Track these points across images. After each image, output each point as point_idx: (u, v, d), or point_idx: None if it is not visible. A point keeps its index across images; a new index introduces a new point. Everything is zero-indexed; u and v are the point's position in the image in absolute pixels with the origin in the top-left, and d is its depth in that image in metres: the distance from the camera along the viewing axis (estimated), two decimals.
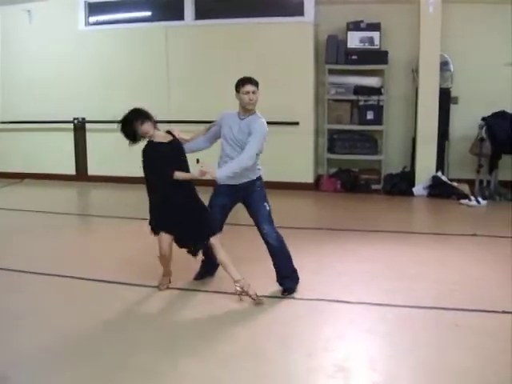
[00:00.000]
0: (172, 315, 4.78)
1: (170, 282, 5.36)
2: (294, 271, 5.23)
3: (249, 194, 5.17)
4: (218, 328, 4.48)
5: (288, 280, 5.19)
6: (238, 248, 5.85)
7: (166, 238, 5.04)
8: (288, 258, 5.20)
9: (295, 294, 5.09)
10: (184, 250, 5.12)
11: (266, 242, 5.17)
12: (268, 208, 5.17)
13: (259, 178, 5.23)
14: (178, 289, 5.33)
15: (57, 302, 5.06)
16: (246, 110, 5.12)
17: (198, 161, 5.03)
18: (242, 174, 5.02)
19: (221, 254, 4.96)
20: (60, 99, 10.86)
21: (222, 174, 4.89)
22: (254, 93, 5.06)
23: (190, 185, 5.07)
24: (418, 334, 4.41)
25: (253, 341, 4.27)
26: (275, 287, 5.19)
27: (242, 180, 5.09)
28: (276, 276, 5.21)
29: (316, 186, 10.14)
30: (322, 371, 3.81)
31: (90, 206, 10.17)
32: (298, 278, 5.23)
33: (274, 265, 5.21)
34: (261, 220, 5.15)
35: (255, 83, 5.12)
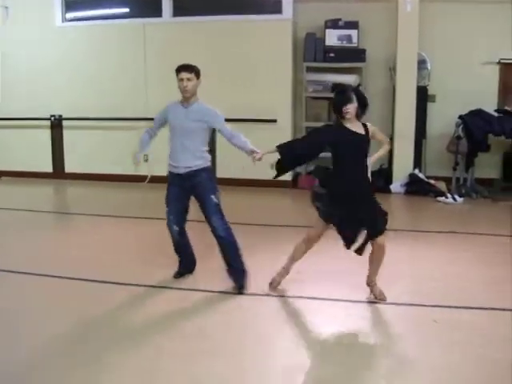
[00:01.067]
0: (144, 312, 4.73)
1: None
2: (243, 266, 5.18)
3: (195, 185, 5.18)
4: (193, 325, 4.47)
5: (239, 276, 5.13)
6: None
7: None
8: (237, 252, 5.16)
9: (271, 291, 5.08)
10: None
11: (215, 236, 5.16)
12: (215, 200, 5.15)
13: (205, 169, 5.26)
14: (150, 286, 5.30)
15: (33, 301, 5.01)
16: (184, 98, 5.21)
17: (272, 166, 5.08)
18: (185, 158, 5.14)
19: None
20: (37, 96, 10.77)
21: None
22: (189, 80, 5.10)
23: None
24: (395, 330, 4.43)
25: (227, 337, 4.25)
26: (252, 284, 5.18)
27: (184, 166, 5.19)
28: (226, 271, 5.19)
29: (294, 183, 10.14)
30: (297, 368, 3.81)
31: (68, 203, 10.09)
32: (246, 273, 5.16)
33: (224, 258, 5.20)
34: (209, 212, 5.14)
35: (191, 70, 5.16)
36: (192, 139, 5.12)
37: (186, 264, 5.48)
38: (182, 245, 5.43)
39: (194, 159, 5.17)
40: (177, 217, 5.37)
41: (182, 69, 5.13)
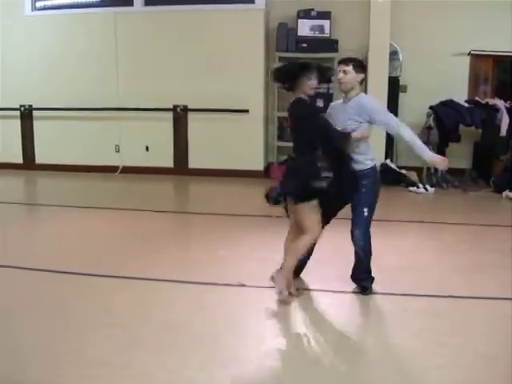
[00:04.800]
0: (117, 305, 4.70)
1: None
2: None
3: None
4: (167, 316, 4.44)
5: None
6: None
7: None
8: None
9: (246, 282, 5.07)
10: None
11: None
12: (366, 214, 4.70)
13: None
14: (124, 277, 5.27)
15: (3, 294, 4.95)
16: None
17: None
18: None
19: None
20: (6, 86, 10.60)
21: None
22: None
23: None
24: (365, 319, 4.45)
25: (202, 327, 4.24)
26: (230, 275, 5.17)
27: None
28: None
29: (266, 173, 10.14)
30: (271, 355, 3.81)
31: (39, 194, 9.99)
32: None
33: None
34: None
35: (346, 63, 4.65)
36: None
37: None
38: None
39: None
40: None
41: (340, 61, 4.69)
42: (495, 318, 4.33)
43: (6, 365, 3.59)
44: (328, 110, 4.85)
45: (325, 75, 4.60)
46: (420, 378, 3.49)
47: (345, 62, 4.60)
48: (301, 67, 4.49)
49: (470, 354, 3.75)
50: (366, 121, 4.54)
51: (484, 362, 3.64)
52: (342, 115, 4.62)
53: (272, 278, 4.79)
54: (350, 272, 4.91)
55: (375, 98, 4.73)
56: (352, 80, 4.56)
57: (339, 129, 4.51)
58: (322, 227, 4.72)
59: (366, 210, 4.64)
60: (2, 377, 3.43)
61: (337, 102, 4.83)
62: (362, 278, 4.84)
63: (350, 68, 4.54)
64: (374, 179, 4.70)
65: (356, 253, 4.78)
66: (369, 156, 4.66)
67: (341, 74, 4.58)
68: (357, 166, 4.60)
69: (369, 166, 4.64)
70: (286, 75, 4.54)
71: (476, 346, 3.83)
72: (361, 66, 4.63)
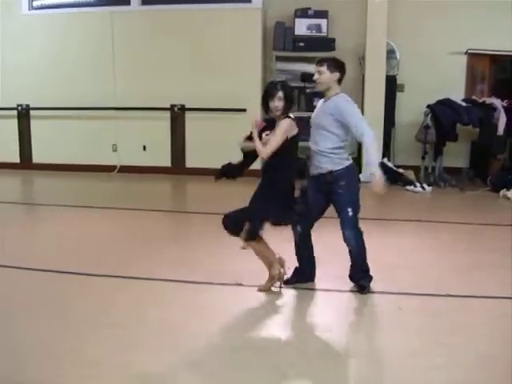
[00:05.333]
0: (115, 305, 4.69)
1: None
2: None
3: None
4: (165, 316, 4.44)
5: None
6: None
7: None
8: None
9: (244, 281, 5.06)
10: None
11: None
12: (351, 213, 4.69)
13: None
14: (122, 277, 5.27)
15: (2, 293, 4.95)
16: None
17: None
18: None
19: None
20: (3, 86, 10.58)
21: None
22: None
23: None
24: (361, 318, 4.45)
25: (199, 327, 4.24)
26: (227, 275, 5.17)
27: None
28: None
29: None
30: (271, 355, 3.81)
31: (36, 194, 9.97)
32: None
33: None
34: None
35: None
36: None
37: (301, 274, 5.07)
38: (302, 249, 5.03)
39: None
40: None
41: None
42: (495, 317, 4.33)
43: (6, 365, 3.58)
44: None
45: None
46: (419, 378, 3.48)
47: (319, 62, 4.64)
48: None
49: (469, 353, 3.74)
50: (340, 121, 4.56)
51: (484, 362, 3.63)
52: (320, 113, 4.67)
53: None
54: (344, 271, 4.92)
55: (353, 102, 4.71)
56: (327, 80, 4.60)
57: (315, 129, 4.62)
58: (309, 229, 4.84)
59: (349, 209, 4.65)
60: (2, 377, 3.43)
61: (320, 101, 4.84)
62: (360, 276, 4.84)
63: (324, 68, 4.58)
64: (351, 178, 4.71)
65: (350, 252, 4.79)
66: (344, 156, 4.68)
67: (316, 75, 4.64)
68: (333, 167, 4.62)
69: (345, 166, 4.65)
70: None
71: (476, 346, 3.83)
72: (335, 65, 4.64)
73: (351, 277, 4.89)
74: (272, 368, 3.57)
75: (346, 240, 4.73)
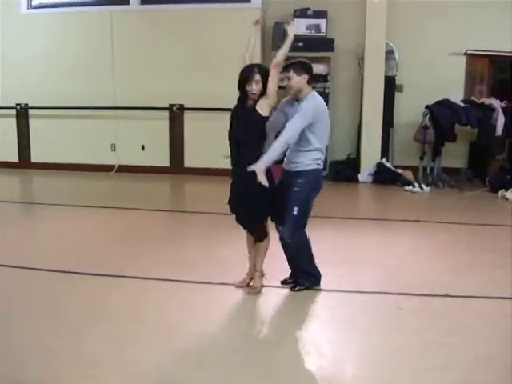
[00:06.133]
0: (114, 304, 4.68)
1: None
2: None
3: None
4: (163, 316, 4.44)
5: None
6: None
7: None
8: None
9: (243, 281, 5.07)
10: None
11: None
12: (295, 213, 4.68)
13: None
14: (118, 276, 5.27)
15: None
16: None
17: None
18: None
19: None
20: (2, 85, 10.58)
21: None
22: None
23: None
24: (361, 318, 4.45)
25: (197, 326, 4.24)
26: (225, 274, 5.17)
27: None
28: None
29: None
30: (270, 355, 3.81)
31: (34, 193, 9.95)
32: None
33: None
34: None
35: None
36: None
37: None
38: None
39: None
40: None
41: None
42: (494, 317, 4.34)
43: (6, 365, 3.58)
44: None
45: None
46: (418, 378, 3.48)
47: (285, 68, 4.66)
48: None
49: (468, 353, 3.75)
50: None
51: (483, 362, 3.64)
52: (295, 114, 4.61)
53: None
54: (344, 271, 4.92)
55: (318, 104, 4.68)
56: (297, 83, 4.61)
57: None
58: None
59: (296, 208, 4.65)
60: (2, 377, 3.43)
61: (294, 104, 4.76)
62: (298, 275, 4.88)
63: (291, 74, 4.61)
64: (310, 180, 4.70)
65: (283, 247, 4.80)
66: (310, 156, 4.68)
67: (285, 81, 4.67)
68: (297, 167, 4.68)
69: (310, 168, 4.66)
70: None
71: (475, 346, 3.84)
72: (302, 68, 4.66)
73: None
74: (269, 368, 3.57)
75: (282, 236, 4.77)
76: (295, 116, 4.54)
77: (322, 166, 4.76)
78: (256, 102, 4.55)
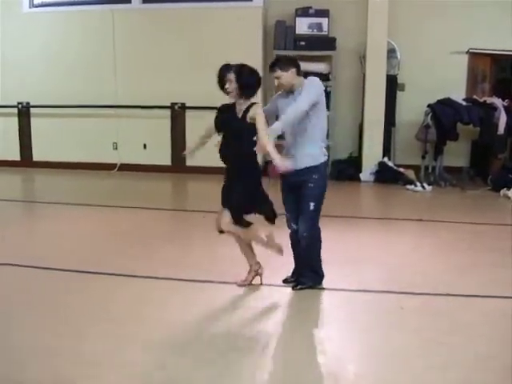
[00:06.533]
0: (115, 303, 4.68)
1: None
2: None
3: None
4: (163, 315, 4.44)
5: None
6: None
7: None
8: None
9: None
10: None
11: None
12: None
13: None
14: (122, 275, 5.26)
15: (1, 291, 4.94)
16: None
17: None
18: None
19: None
20: (4, 83, 10.58)
21: None
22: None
23: None
24: (363, 317, 4.44)
25: (198, 325, 4.23)
26: (226, 273, 5.16)
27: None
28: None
29: (264, 171, 10.09)
30: (269, 354, 3.81)
31: (36, 192, 9.96)
32: None
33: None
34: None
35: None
36: None
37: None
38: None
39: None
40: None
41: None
42: (495, 317, 4.33)
43: (6, 364, 3.58)
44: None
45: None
46: (419, 377, 3.48)
47: (271, 69, 4.64)
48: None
49: (469, 353, 3.74)
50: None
51: (483, 362, 3.63)
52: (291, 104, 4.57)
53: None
54: (347, 270, 4.91)
55: (317, 84, 4.64)
56: (288, 79, 4.60)
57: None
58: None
59: (312, 204, 4.72)
60: (2, 376, 3.43)
61: (284, 98, 4.75)
62: (302, 273, 4.87)
63: (279, 73, 4.59)
64: (323, 174, 4.79)
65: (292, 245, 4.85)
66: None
67: (276, 82, 4.66)
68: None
69: (320, 162, 4.70)
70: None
71: (475, 346, 3.83)
72: (287, 63, 4.63)
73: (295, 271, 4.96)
74: (271, 366, 3.57)
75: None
76: (304, 92, 4.50)
77: (327, 156, 4.79)
78: (237, 99, 4.76)
